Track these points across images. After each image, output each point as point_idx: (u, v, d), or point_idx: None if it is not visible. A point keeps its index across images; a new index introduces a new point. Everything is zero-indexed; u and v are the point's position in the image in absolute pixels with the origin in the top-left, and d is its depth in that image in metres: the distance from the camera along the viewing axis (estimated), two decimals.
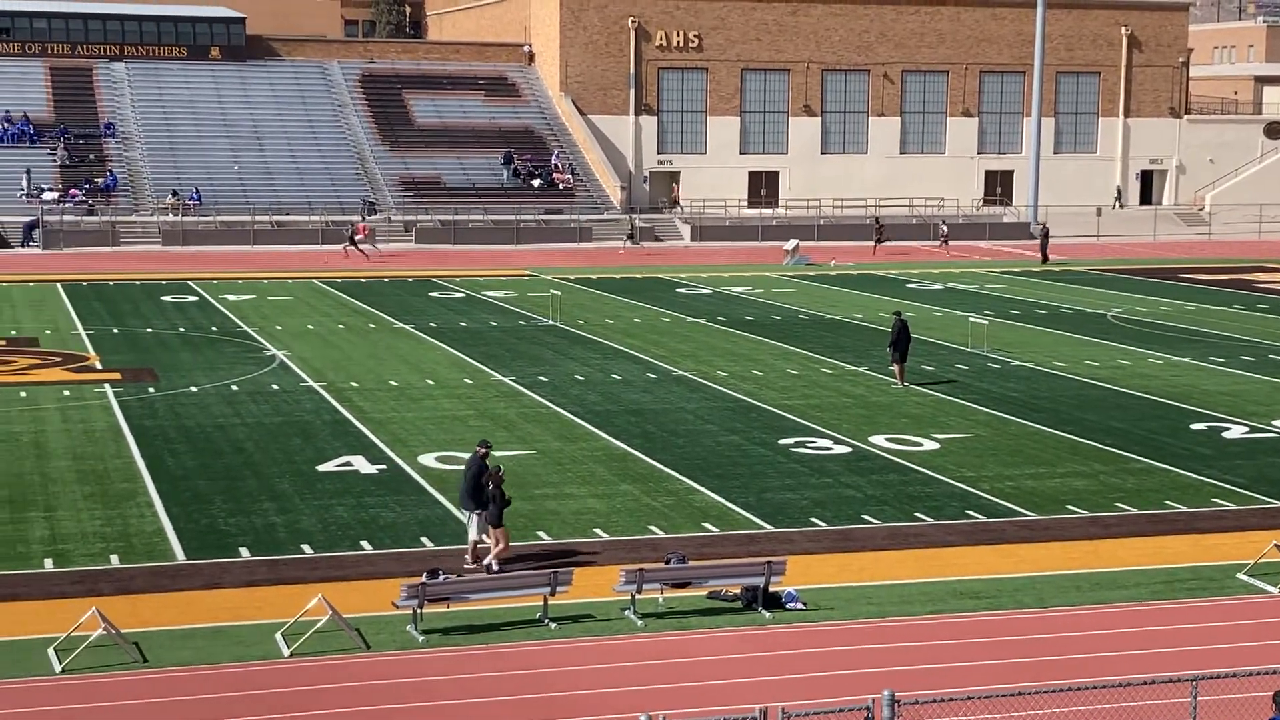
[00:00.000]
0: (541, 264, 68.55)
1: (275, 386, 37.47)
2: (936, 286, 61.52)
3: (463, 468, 23.79)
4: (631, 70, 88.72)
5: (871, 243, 75.99)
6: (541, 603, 20.58)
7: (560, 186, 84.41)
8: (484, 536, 22.85)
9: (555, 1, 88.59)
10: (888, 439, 32.26)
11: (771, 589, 21.28)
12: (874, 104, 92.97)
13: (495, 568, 22.35)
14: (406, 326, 48.20)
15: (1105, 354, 44.18)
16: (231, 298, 54.79)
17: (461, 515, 23.24)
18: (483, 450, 23.43)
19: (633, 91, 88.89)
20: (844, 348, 44.81)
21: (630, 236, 76.95)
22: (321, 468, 28.99)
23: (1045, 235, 73.48)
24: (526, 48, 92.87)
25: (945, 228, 78.68)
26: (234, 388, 37.23)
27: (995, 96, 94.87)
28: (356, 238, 69.17)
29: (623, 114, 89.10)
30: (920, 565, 23.53)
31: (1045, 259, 71.29)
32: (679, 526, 25.50)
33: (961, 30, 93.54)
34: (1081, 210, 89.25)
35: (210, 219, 76.66)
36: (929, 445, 31.71)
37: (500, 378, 39.22)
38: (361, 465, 29.26)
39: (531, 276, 63.74)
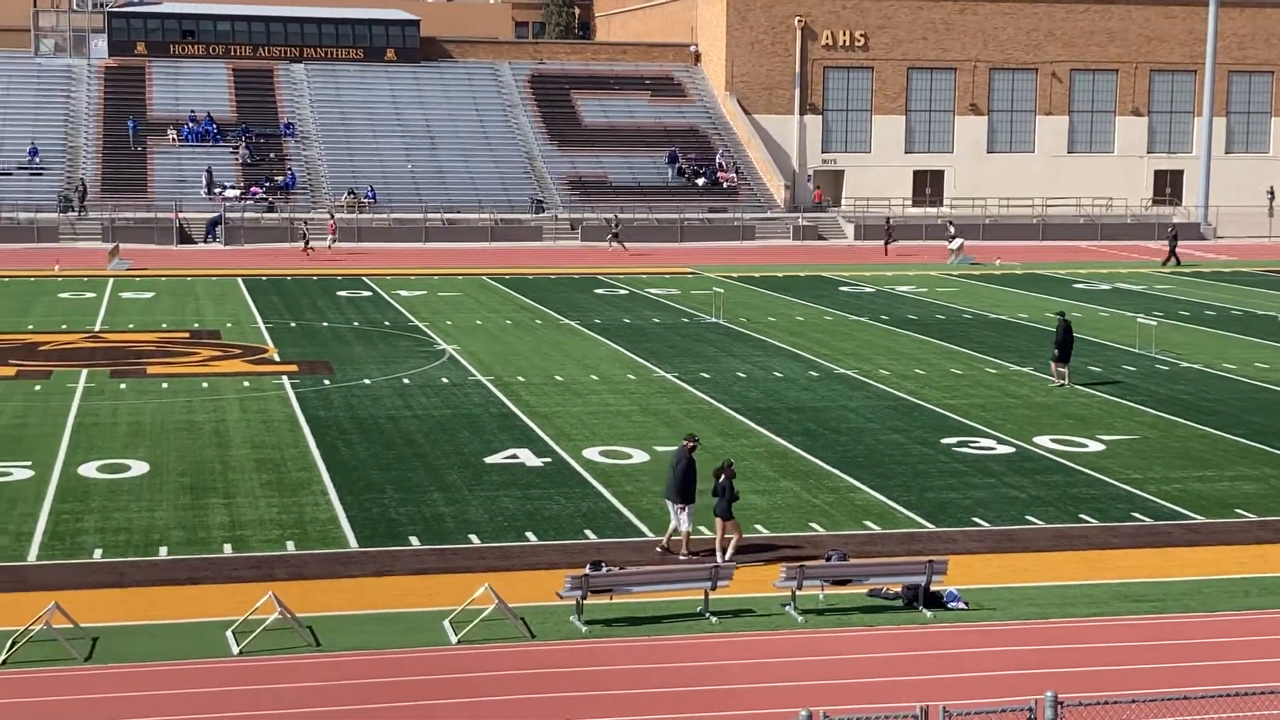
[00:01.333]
0: (705, 262, 68.57)
1: (445, 380, 37.97)
2: (1103, 287, 60.38)
3: (672, 463, 23.53)
4: (797, 69, 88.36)
5: (883, 243, 74.45)
6: (702, 597, 20.60)
7: (724, 185, 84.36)
8: (682, 528, 23.03)
9: (722, 2, 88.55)
10: (1052, 440, 31.74)
11: (933, 588, 21.07)
12: (1041, 103, 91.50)
13: (728, 558, 22.49)
14: (572, 323, 48.53)
15: (1276, 356, 43.01)
16: (404, 293, 55.62)
17: (670, 508, 23.32)
18: (690, 444, 23.53)
19: (798, 91, 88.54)
20: (1009, 347, 44.18)
21: (615, 236, 74.40)
22: (489, 460, 29.31)
23: (1174, 237, 71.38)
24: (693, 48, 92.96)
25: (953, 228, 76.52)
26: (405, 381, 37.79)
27: (1165, 96, 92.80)
28: (310, 240, 68.69)
29: (787, 113, 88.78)
30: (1084, 567, 23.12)
31: (1174, 260, 68.94)
32: (840, 524, 25.36)
33: (1132, 29, 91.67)
34: (1251, 210, 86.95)
35: (384, 216, 77.89)
36: (1095, 446, 31.14)
37: (663, 374, 39.31)
38: (527, 458, 29.53)
39: (694, 274, 63.79)
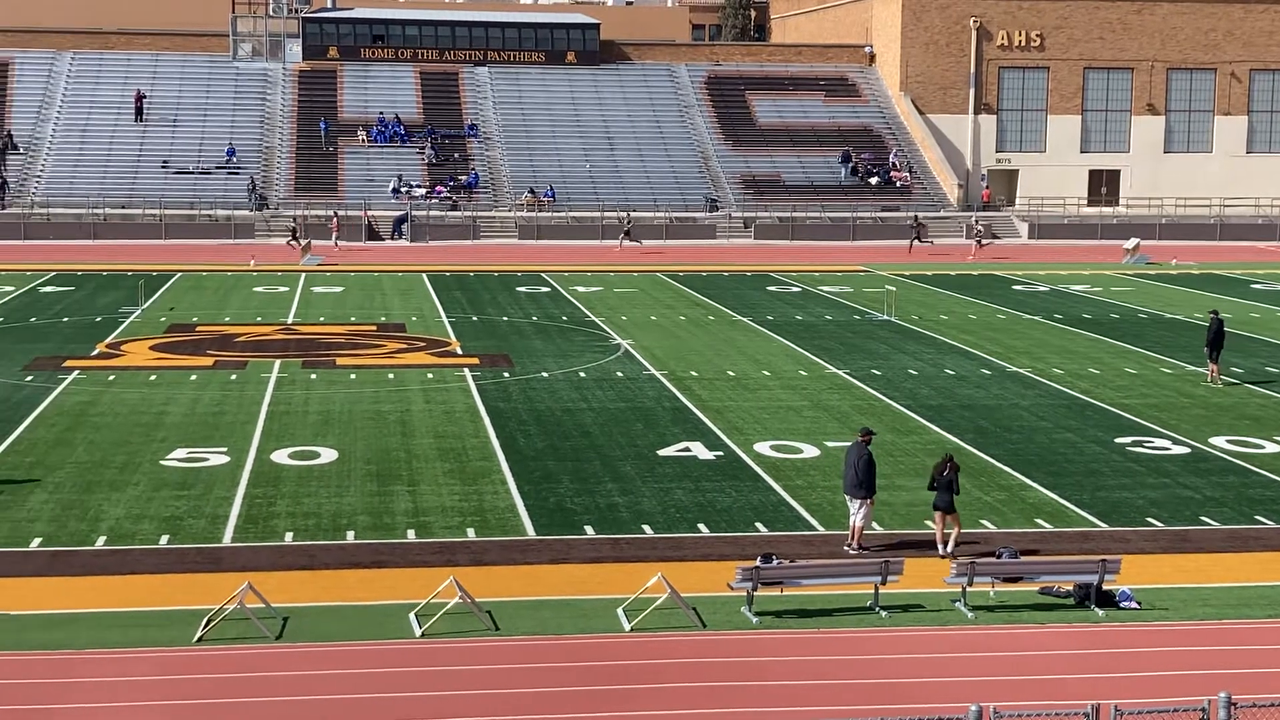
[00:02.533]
0: (877, 260, 67.96)
1: (620, 374, 38.15)
2: None
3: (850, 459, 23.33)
4: (972, 69, 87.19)
5: (908, 242, 72.86)
6: (873, 591, 20.43)
7: (898, 184, 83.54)
8: (857, 523, 22.95)
9: (897, 3, 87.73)
10: (1229, 440, 30.89)
11: (1105, 587, 20.63)
12: (1220, 103, 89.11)
13: (949, 550, 22.45)
14: (744, 319, 48.45)
15: None
16: (581, 289, 56.01)
17: (849, 503, 23.21)
18: (865, 438, 23.39)
19: (972, 91, 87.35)
20: (1184, 347, 43.09)
21: (626, 234, 73.45)
22: (662, 452, 29.38)
23: None
24: (867, 49, 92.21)
25: (980, 227, 74.41)
26: (582, 374, 38.05)
27: None
28: (298, 237, 68.75)
29: (962, 113, 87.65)
30: (1260, 568, 22.46)
31: None
32: (1011, 521, 24.96)
33: None
34: None
35: (563, 215, 78.55)
36: (1271, 448, 30.23)
37: (834, 370, 39.05)
38: (700, 451, 29.53)
39: (867, 272, 63.27)
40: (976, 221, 75.39)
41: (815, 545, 23.38)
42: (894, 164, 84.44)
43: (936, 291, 56.47)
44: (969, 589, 20.48)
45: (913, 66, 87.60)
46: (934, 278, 61.08)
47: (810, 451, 29.65)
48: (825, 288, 57.43)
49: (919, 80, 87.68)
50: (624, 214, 76.13)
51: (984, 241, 73.07)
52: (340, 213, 73.86)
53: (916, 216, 76.65)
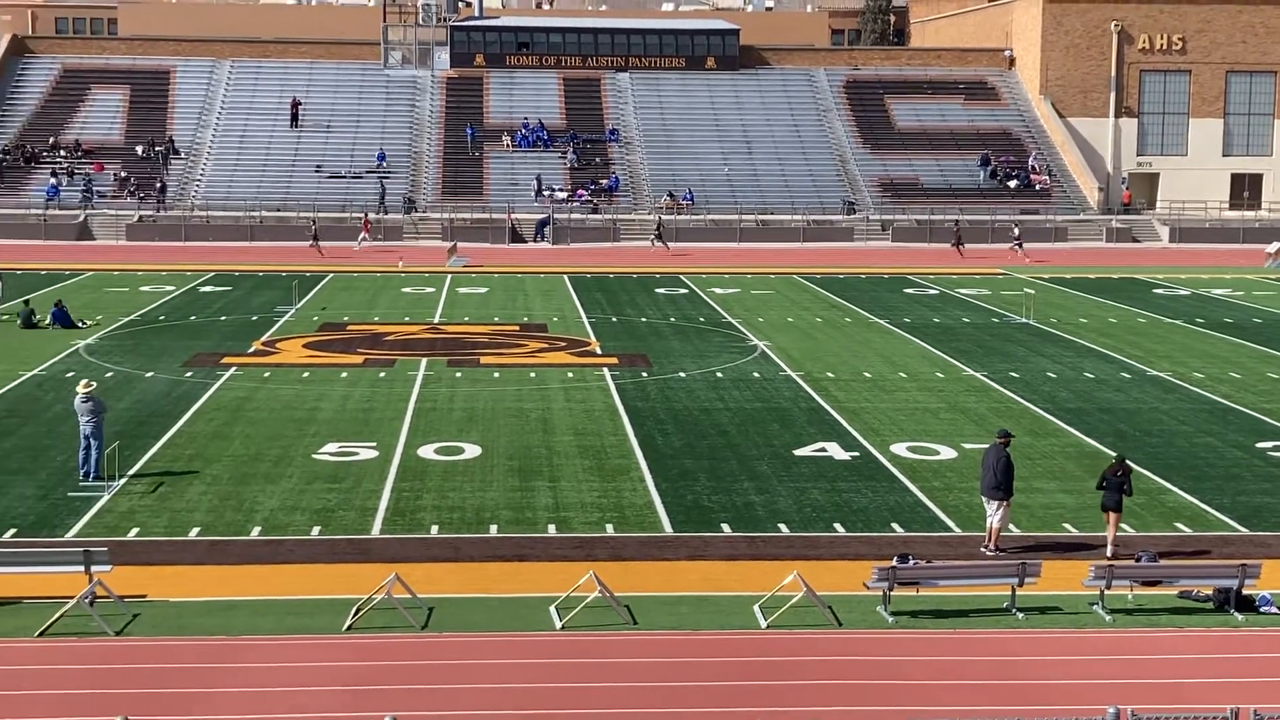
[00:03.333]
0: (1016, 262, 67.03)
1: (756, 374, 38.08)
2: None
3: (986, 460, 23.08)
4: (1113, 73, 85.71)
5: (952, 244, 71.11)
6: (1009, 592, 20.18)
7: (1037, 188, 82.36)
8: (995, 524, 22.72)
9: (1038, 7, 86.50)
10: None
11: (1245, 592, 20.18)
12: None
13: (1111, 553, 22.27)
14: (881, 321, 48.09)
15: None
16: (718, 291, 55.99)
17: (986, 504, 22.99)
18: (1003, 440, 23.16)
19: (1113, 94, 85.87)
20: None
21: (658, 236, 72.81)
22: (798, 452, 29.27)
23: None
24: (1007, 52, 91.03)
25: (1017, 230, 72.25)
26: (719, 374, 38.04)
27: None
28: (317, 240, 68.84)
29: (1102, 116, 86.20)
30: None
31: None
32: (1149, 525, 24.50)
33: None
34: None
35: (701, 217, 78.60)
36: None
37: (971, 372, 38.62)
38: (835, 451, 29.38)
39: (1005, 275, 62.46)
40: (1014, 225, 74.27)
41: (952, 546, 23.15)
42: (1033, 167, 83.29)
43: (1075, 295, 55.59)
44: (1107, 592, 20.14)
45: (1053, 70, 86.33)
46: (1073, 281, 60.14)
47: (947, 453, 29.35)
48: (963, 290, 56.80)
49: (1059, 83, 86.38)
50: (656, 215, 76.17)
51: (1022, 245, 71.90)
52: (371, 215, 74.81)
53: (957, 221, 75.83)
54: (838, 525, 24.24)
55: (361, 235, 71.97)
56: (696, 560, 22.39)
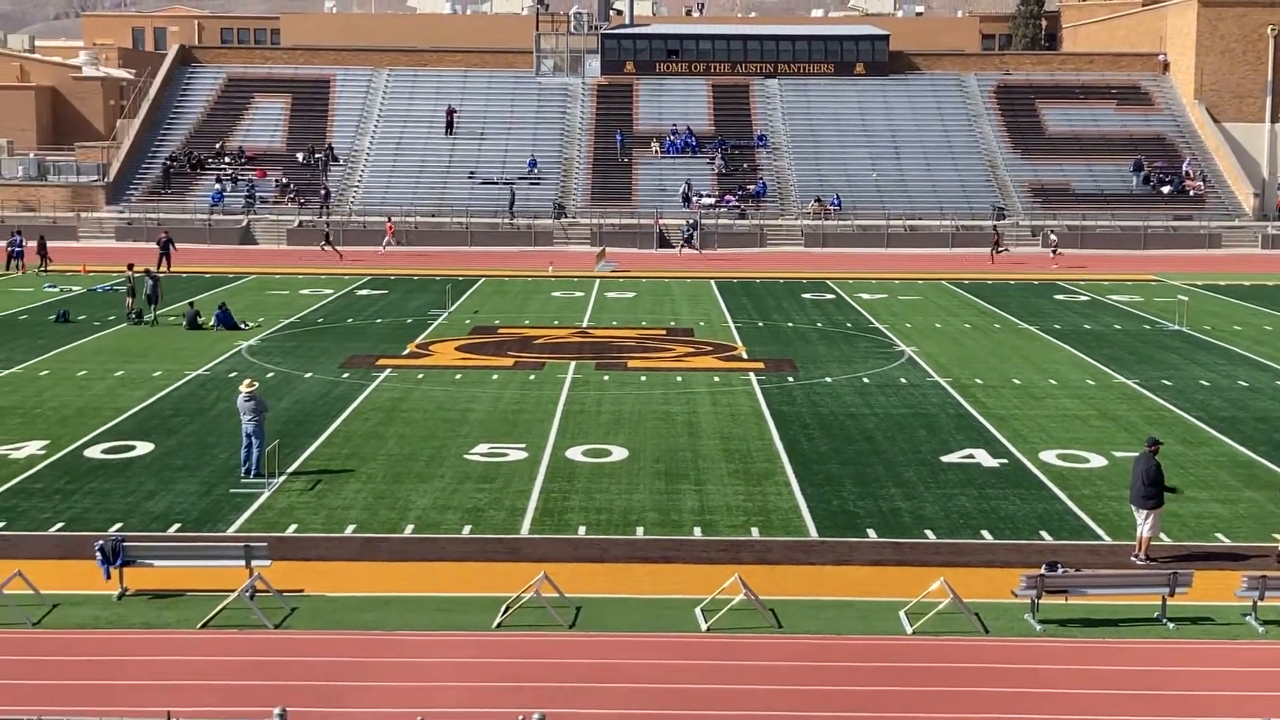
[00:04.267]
0: (1168, 269, 65.62)
1: (903, 380, 37.73)
2: None
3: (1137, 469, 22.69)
4: (1269, 77, 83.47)
5: (990, 251, 68.86)
6: (1160, 602, 19.75)
7: (1190, 193, 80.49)
8: (1144, 533, 22.30)
9: (1193, 11, 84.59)
10: None
11: None
12: None
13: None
14: (1031, 327, 47.37)
15: None
16: (865, 296, 55.59)
17: (1135, 513, 22.58)
18: (1152, 448, 22.74)
19: (1269, 99, 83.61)
20: None
21: (688, 240, 72.05)
22: (945, 458, 28.96)
23: None
24: (1161, 57, 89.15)
25: (1055, 237, 70.25)
26: (865, 380, 37.76)
27: None
28: (325, 242, 68.50)
29: (1258, 121, 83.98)
30: None
31: None
32: None
33: None
34: None
35: (849, 223, 78.08)
36: None
37: (1123, 380, 37.87)
38: (983, 458, 29.01)
39: (1158, 282, 61.15)
40: (1051, 231, 72.76)
41: (1101, 555, 22.73)
42: (1187, 173, 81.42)
43: (1229, 302, 54.24)
44: (1260, 603, 19.62)
45: (1208, 74, 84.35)
46: (1227, 288, 58.70)
47: (1097, 461, 28.82)
48: (1115, 297, 55.73)
49: (1214, 88, 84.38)
50: (688, 220, 75.76)
51: (1059, 251, 70.31)
52: (394, 219, 74.95)
53: (995, 226, 74.49)
54: (985, 532, 23.93)
55: (386, 240, 72.86)
56: (842, 565, 22.25)
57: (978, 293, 56.83)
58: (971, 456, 29.12)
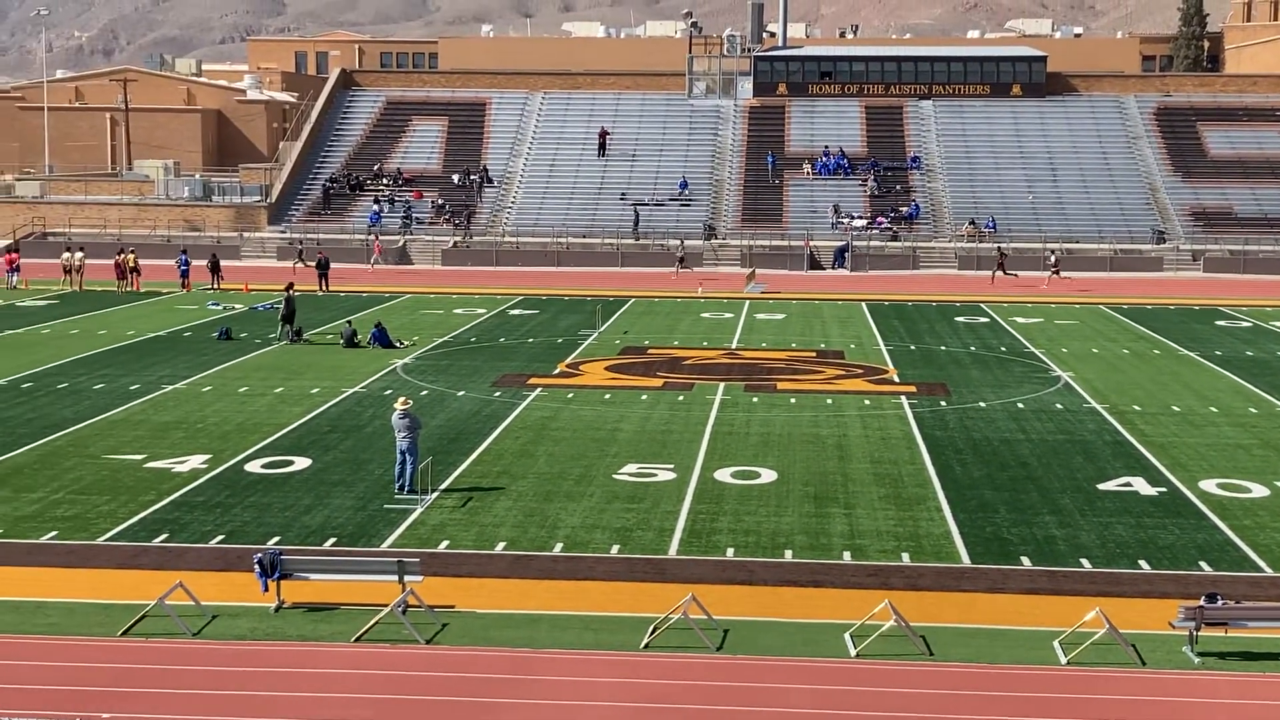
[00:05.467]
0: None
1: (1059, 406, 37.08)
2: None
3: None
4: None
5: (991, 273, 67.69)
6: None
7: None
8: None
9: None
10: None
11: None
12: None
13: None
14: (1191, 354, 46.28)
15: None
16: (1020, 320, 54.76)
17: None
18: None
19: None
20: None
21: (681, 260, 72.20)
22: (1102, 486, 28.37)
23: None
24: None
25: (1054, 257, 68.93)
26: (1020, 405, 37.18)
27: None
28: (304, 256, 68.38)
29: None
30: None
31: None
32: None
33: None
34: None
35: (1004, 245, 77.01)
36: None
37: None
38: (1141, 486, 28.38)
39: None
40: (1051, 253, 71.61)
41: (1263, 587, 22.08)
42: None
43: None
44: None
45: None
46: None
47: (1260, 491, 28.04)
48: (1278, 323, 54.22)
49: None
50: (678, 240, 75.95)
51: (1058, 273, 69.43)
52: (383, 237, 74.83)
53: (1000, 246, 73.17)
54: (1143, 562, 23.38)
55: (374, 258, 73.53)
56: (994, 593, 21.89)
57: (1136, 317, 55.69)
58: (1129, 484, 28.51)
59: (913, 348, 47.68)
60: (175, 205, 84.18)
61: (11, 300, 58.82)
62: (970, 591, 21.91)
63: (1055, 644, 19.36)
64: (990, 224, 78.21)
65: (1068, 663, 18.81)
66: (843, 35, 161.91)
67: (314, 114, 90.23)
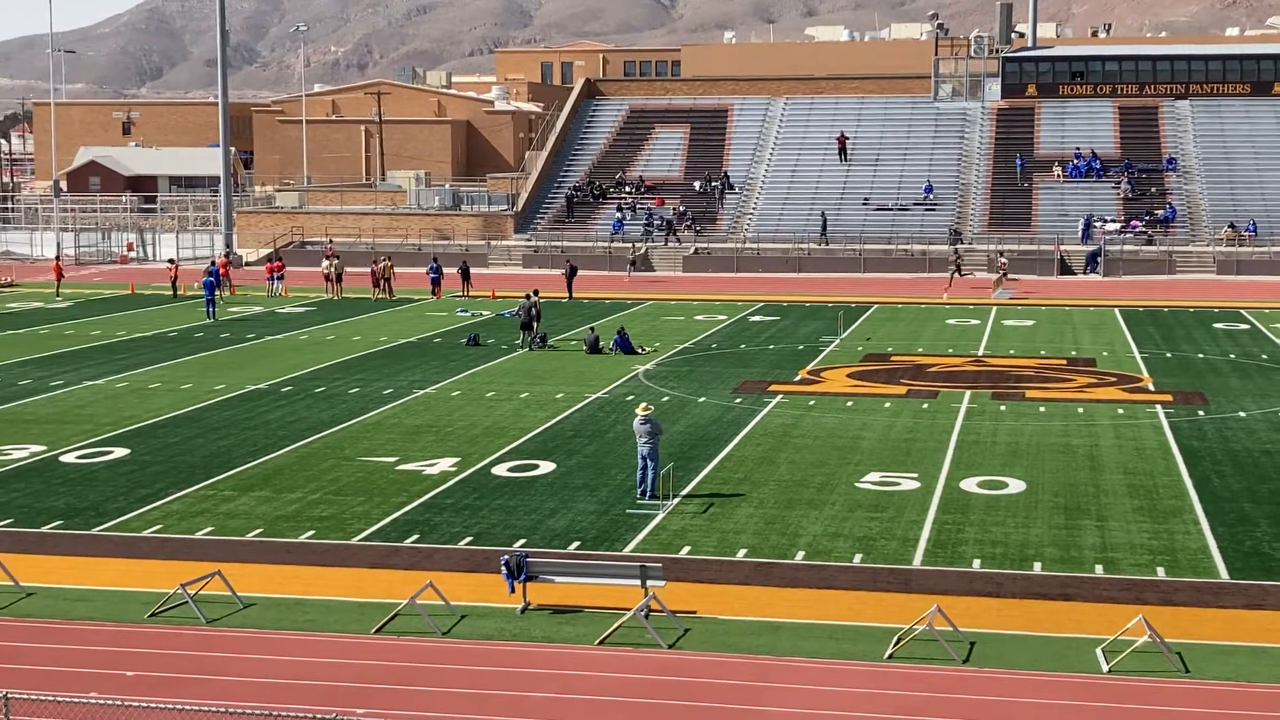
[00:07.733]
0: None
1: None
2: None
3: None
4: None
5: (948, 276, 64.64)
6: None
7: None
8: None
9: None
10: None
11: None
12: None
13: None
14: None
15: None
16: None
17: None
18: None
19: None
20: None
21: (632, 264, 72.03)
22: None
23: None
24: None
25: (1004, 260, 65.37)
26: None
27: None
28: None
29: None
30: None
31: None
32: None
33: None
34: None
35: (1265, 250, 74.16)
36: None
37: None
38: None
39: None
40: (1001, 254, 69.10)
41: None
42: None
43: None
44: None
45: None
46: None
47: None
48: None
49: None
50: (634, 244, 75.35)
51: (1008, 275, 66.38)
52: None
53: (957, 249, 70.41)
54: None
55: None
56: (1255, 609, 21.09)
57: None
58: None
59: (1168, 355, 46.23)
60: (426, 214, 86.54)
61: (272, 308, 61.25)
62: (1229, 608, 21.15)
63: None
64: (1251, 227, 75.36)
65: None
66: (1095, 34, 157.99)
67: (559, 123, 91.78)
